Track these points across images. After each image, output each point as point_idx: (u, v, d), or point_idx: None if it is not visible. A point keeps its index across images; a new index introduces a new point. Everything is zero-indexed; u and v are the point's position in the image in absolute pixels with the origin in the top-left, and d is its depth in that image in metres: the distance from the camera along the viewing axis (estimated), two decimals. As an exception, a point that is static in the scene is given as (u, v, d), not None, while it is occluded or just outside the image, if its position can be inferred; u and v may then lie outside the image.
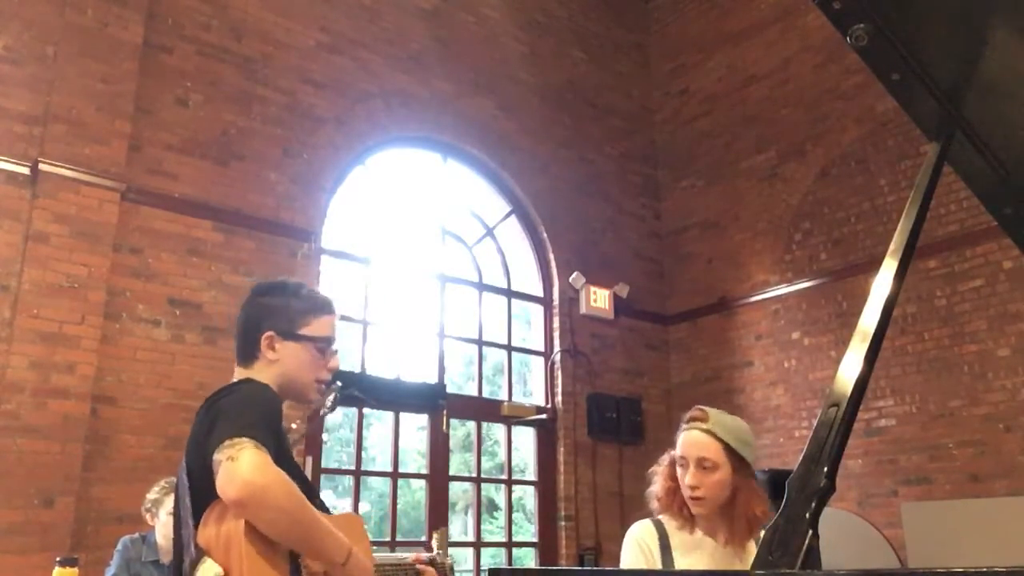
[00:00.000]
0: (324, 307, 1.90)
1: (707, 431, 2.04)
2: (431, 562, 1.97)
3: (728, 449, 2.02)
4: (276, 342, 1.82)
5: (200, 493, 1.60)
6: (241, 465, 1.47)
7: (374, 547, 1.84)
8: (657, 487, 2.12)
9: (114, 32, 5.18)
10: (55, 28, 5.03)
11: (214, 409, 1.64)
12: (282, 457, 1.64)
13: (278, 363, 1.81)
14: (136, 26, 5.29)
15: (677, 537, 2.05)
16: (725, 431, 2.04)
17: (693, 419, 2.09)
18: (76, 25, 5.07)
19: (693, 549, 2.04)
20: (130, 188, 5.09)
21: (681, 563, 2.01)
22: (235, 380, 1.81)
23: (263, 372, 1.81)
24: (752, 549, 2.07)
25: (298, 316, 1.84)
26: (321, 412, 2.04)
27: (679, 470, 2.07)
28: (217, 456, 1.51)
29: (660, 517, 2.11)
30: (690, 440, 2.06)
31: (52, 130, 4.87)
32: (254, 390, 1.71)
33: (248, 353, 1.85)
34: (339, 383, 1.95)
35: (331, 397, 1.94)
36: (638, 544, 2.06)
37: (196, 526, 1.58)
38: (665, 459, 2.14)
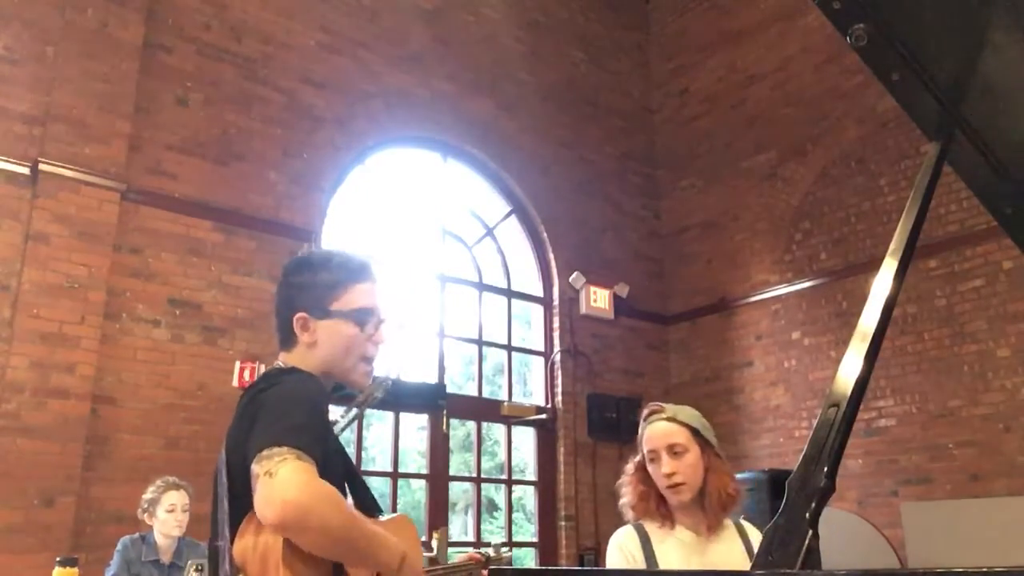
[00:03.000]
0: (359, 274, 1.70)
1: (670, 419, 2.12)
2: (486, 562, 1.93)
3: (693, 431, 2.10)
4: (309, 323, 1.64)
5: (239, 499, 1.45)
6: (280, 483, 1.31)
7: None
8: (629, 496, 2.16)
9: (114, 32, 5.18)
10: (55, 28, 5.03)
11: (256, 403, 1.49)
12: (330, 455, 1.51)
13: (316, 346, 1.64)
14: (136, 26, 5.29)
15: (658, 536, 2.08)
16: (686, 416, 2.12)
17: (652, 413, 2.16)
18: (76, 25, 5.08)
19: (674, 544, 2.07)
20: (130, 188, 5.09)
21: (662, 555, 2.04)
22: (278, 367, 1.65)
23: (304, 358, 1.64)
24: (732, 531, 2.12)
25: (328, 290, 1.66)
26: (360, 404, 1.92)
27: (650, 466, 2.11)
28: (255, 468, 1.36)
29: (640, 522, 2.14)
30: (656, 431, 2.12)
31: (52, 130, 4.87)
32: (298, 384, 1.53)
33: (285, 338, 1.67)
34: (391, 379, 1.84)
35: (380, 390, 1.82)
36: (620, 549, 2.09)
37: (232, 537, 1.43)
38: (630, 468, 2.19)
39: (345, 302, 1.66)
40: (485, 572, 1.90)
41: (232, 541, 1.43)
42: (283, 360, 1.67)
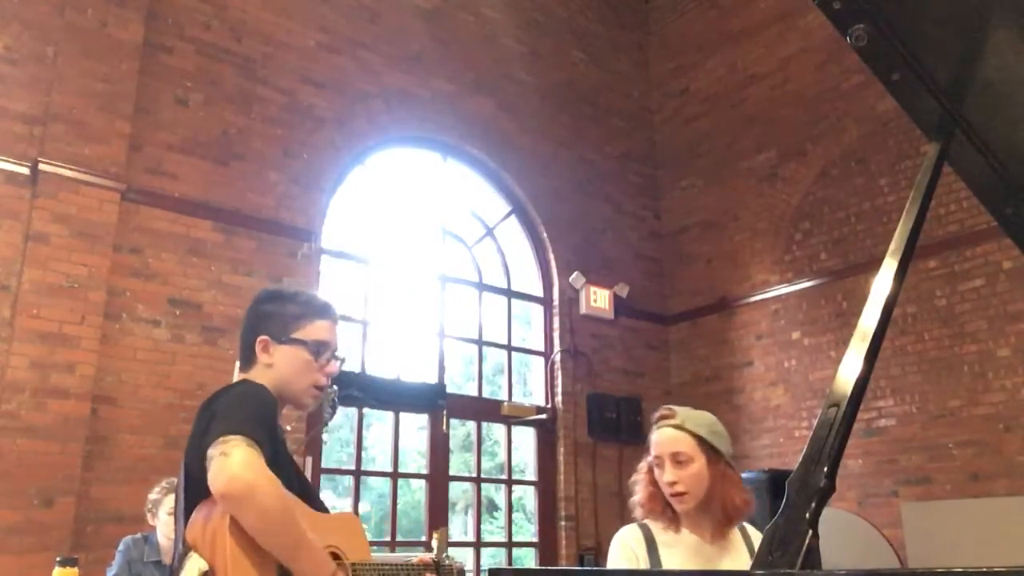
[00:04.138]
0: (320, 312, 1.91)
1: (677, 426, 2.08)
2: (436, 567, 1.93)
3: (700, 440, 2.05)
4: (270, 346, 1.84)
5: (194, 491, 1.62)
6: (232, 461, 1.49)
7: (373, 547, 1.83)
8: (639, 495, 2.15)
9: (114, 32, 5.18)
10: (55, 28, 5.03)
11: (211, 409, 1.66)
12: (279, 456, 1.66)
13: (273, 367, 1.84)
14: (136, 26, 5.29)
15: (663, 537, 2.07)
16: (694, 424, 2.08)
17: (662, 418, 2.13)
18: (76, 25, 5.07)
19: (679, 547, 2.05)
20: (130, 188, 5.09)
21: (668, 560, 2.02)
22: (233, 382, 1.85)
23: (260, 376, 1.83)
24: (738, 539, 2.09)
25: (292, 320, 1.87)
26: (325, 419, 2.04)
27: (656, 471, 2.09)
28: (211, 452, 1.54)
29: (645, 521, 2.13)
30: (662, 438, 2.09)
31: (52, 130, 4.87)
32: (249, 389, 1.74)
33: (246, 358, 1.88)
34: (335, 387, 1.94)
35: (328, 402, 1.95)
36: (624, 546, 2.08)
37: (187, 523, 1.60)
38: (643, 467, 2.16)
39: (305, 333, 1.87)
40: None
41: (186, 526, 1.60)
42: (239, 377, 1.87)
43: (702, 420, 2.10)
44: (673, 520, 2.07)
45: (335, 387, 1.94)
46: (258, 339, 1.85)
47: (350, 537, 1.73)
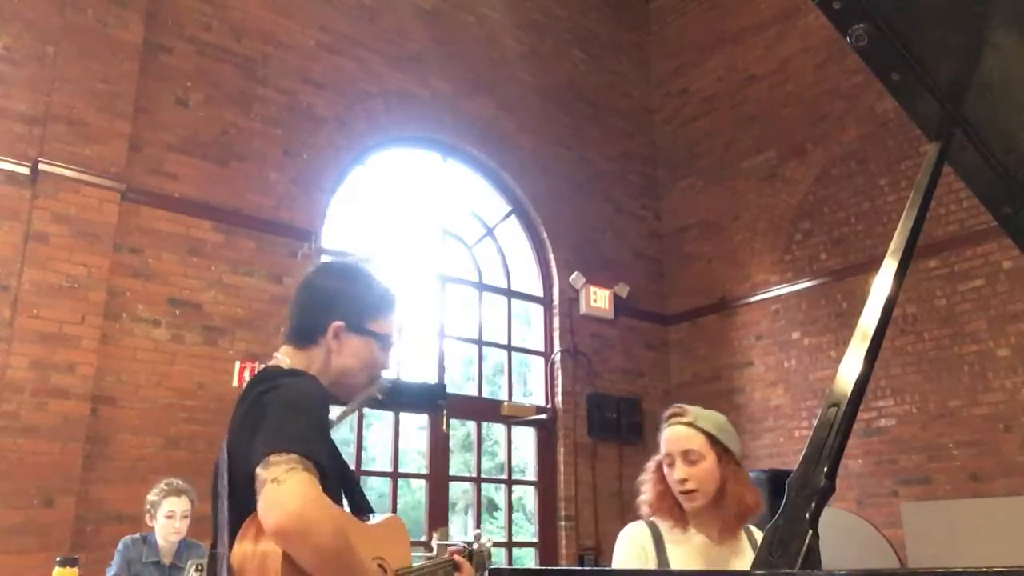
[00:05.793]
0: (393, 304, 1.76)
1: (688, 424, 2.08)
2: (468, 554, 1.92)
3: (711, 439, 2.06)
4: (342, 333, 1.66)
5: (240, 502, 1.43)
6: (287, 493, 1.31)
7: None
8: (647, 494, 2.14)
9: (114, 32, 5.18)
10: (55, 28, 5.03)
11: (260, 404, 1.48)
12: (330, 458, 1.51)
13: (339, 356, 1.66)
14: (136, 26, 5.29)
15: (670, 536, 2.06)
16: (706, 422, 2.08)
17: (673, 415, 2.13)
18: (76, 25, 5.07)
19: (686, 545, 2.04)
20: (130, 188, 5.08)
21: (675, 558, 2.01)
22: (280, 366, 1.64)
23: (317, 361, 1.65)
24: (744, 541, 2.08)
25: (371, 309, 1.69)
26: (358, 406, 1.95)
27: (666, 469, 2.09)
28: (261, 472, 1.35)
29: (652, 519, 2.12)
30: (673, 435, 2.09)
31: (52, 130, 4.87)
32: (304, 388, 1.52)
33: (306, 337, 1.67)
34: (389, 381, 1.87)
35: (379, 391, 1.85)
36: (633, 540, 2.07)
37: (231, 542, 1.41)
38: (651, 465, 2.16)
39: (380, 326, 1.70)
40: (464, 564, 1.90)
41: (231, 546, 1.41)
42: (286, 357, 1.66)
43: (713, 418, 2.11)
44: (681, 519, 2.07)
45: (387, 381, 1.86)
46: (332, 323, 1.65)
47: (394, 544, 1.63)
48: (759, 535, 2.11)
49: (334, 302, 1.68)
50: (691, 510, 2.06)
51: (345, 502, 1.68)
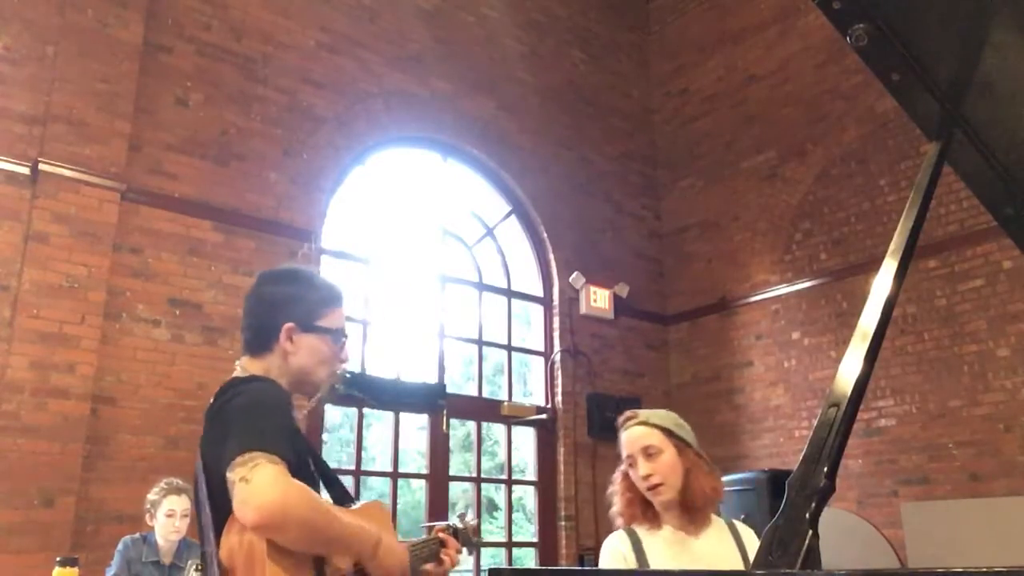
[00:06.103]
0: (339, 298, 1.83)
1: (642, 423, 2.19)
2: (454, 531, 2.00)
3: (666, 432, 2.16)
4: (295, 334, 1.73)
5: (220, 507, 1.52)
6: (255, 488, 1.40)
7: None
8: (617, 504, 2.22)
9: (114, 32, 5.18)
10: (55, 28, 5.03)
11: (224, 414, 1.57)
12: (300, 455, 1.58)
13: (296, 356, 1.73)
14: (136, 26, 5.29)
15: (648, 538, 2.12)
16: (658, 419, 2.20)
17: (626, 420, 2.24)
18: (76, 25, 5.08)
19: (660, 542, 2.11)
20: (130, 188, 5.09)
21: (651, 551, 2.08)
22: (239, 376, 1.73)
23: (276, 365, 1.73)
24: (720, 527, 2.16)
25: (317, 307, 1.76)
26: (325, 397, 2.03)
27: (631, 472, 2.17)
28: (231, 475, 1.44)
29: (631, 526, 2.18)
30: (630, 437, 2.19)
31: (52, 130, 4.87)
32: (263, 391, 1.61)
33: (262, 344, 1.75)
34: (348, 372, 1.95)
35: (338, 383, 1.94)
36: (612, 554, 2.12)
37: (218, 543, 1.50)
38: (617, 476, 2.24)
39: (330, 320, 1.78)
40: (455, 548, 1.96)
41: (218, 545, 1.49)
42: (244, 366, 1.75)
43: (665, 414, 2.23)
44: (654, 519, 2.13)
45: (348, 373, 1.94)
46: (284, 326, 1.72)
47: (380, 524, 1.68)
48: (743, 529, 2.19)
49: (282, 306, 1.75)
50: (661, 505, 2.12)
51: (326, 494, 1.75)
